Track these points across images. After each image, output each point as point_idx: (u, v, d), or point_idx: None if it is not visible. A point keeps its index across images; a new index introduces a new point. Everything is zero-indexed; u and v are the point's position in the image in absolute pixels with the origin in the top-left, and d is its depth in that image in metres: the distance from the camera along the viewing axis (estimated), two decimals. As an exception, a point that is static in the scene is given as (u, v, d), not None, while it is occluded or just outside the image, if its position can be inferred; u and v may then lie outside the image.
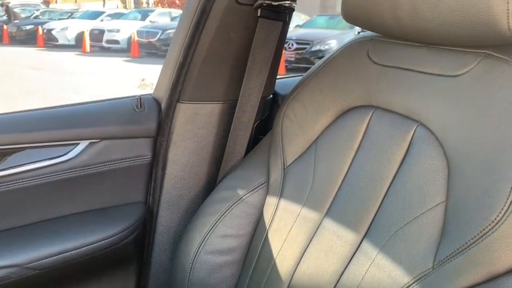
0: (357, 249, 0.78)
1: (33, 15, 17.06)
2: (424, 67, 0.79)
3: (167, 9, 17.51)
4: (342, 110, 0.90)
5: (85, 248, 1.01)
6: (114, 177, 1.08)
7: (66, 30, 13.68)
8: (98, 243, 1.02)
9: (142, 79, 7.28)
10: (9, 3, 17.93)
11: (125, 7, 25.52)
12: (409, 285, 0.69)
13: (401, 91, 0.81)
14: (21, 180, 0.98)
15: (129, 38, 12.14)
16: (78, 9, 21.28)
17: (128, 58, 11.09)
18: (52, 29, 13.74)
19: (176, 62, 1.05)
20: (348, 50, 0.94)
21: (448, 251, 0.66)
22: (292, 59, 8.70)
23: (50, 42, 13.60)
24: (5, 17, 16.84)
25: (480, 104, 0.69)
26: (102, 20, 14.87)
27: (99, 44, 12.69)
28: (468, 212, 0.65)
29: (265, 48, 1.05)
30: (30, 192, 1.00)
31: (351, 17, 0.88)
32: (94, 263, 1.05)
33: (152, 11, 16.02)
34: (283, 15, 1.05)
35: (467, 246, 0.64)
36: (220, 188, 1.04)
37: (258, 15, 1.01)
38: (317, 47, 8.76)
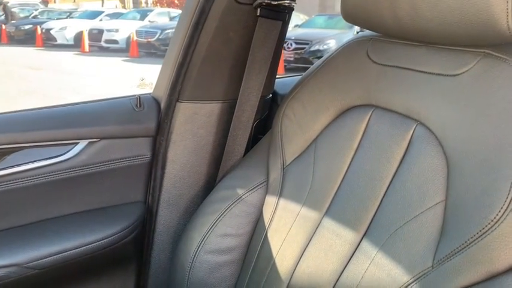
0: (356, 249, 0.78)
1: (32, 15, 17.05)
2: (424, 66, 0.79)
3: (166, 9, 17.52)
4: (342, 110, 0.90)
5: (84, 247, 1.01)
6: (113, 177, 1.08)
7: (64, 29, 13.67)
8: (98, 243, 1.02)
9: (142, 78, 7.29)
10: (7, 2, 17.90)
11: (124, 7, 25.51)
12: (409, 284, 0.69)
13: (400, 90, 0.81)
14: (20, 180, 0.98)
15: (128, 38, 12.13)
16: (76, 8, 21.28)
17: (127, 58, 11.08)
18: (51, 29, 13.72)
19: (176, 62, 1.05)
20: (347, 49, 0.94)
21: (448, 249, 0.66)
22: (291, 59, 8.70)
23: (48, 41, 13.59)
24: (3, 17, 16.81)
25: (479, 103, 0.69)
26: (101, 20, 14.86)
27: (98, 44, 12.68)
28: (468, 211, 0.65)
29: (264, 48, 1.05)
30: (30, 191, 1.00)
31: (350, 16, 0.88)
32: (93, 262, 1.05)
33: (151, 10, 16.02)
34: (282, 14, 1.05)
35: (467, 245, 0.64)
36: (220, 187, 1.04)
37: (258, 14, 1.01)
38: (316, 47, 8.76)
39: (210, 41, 1.02)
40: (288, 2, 1.02)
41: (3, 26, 14.71)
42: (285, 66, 8.27)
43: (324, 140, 0.91)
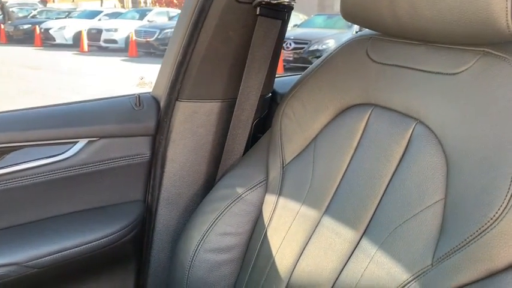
0: (356, 247, 0.78)
1: (31, 15, 17.03)
2: (423, 65, 0.79)
3: (165, 9, 17.52)
4: (341, 108, 0.90)
5: (84, 246, 1.01)
6: (112, 176, 1.08)
7: (63, 29, 13.65)
8: (97, 242, 1.02)
9: (141, 77, 7.28)
10: (6, 2, 17.87)
11: (123, 6, 25.50)
12: (408, 282, 0.69)
13: (400, 89, 0.81)
14: (19, 179, 0.98)
15: (127, 38, 12.12)
16: (75, 8, 21.25)
17: (126, 57, 11.07)
18: (49, 29, 13.70)
19: (175, 61, 1.05)
20: (347, 48, 0.95)
21: (447, 248, 0.66)
22: (291, 59, 8.70)
23: (47, 41, 13.57)
24: (1, 17, 16.79)
25: (479, 101, 0.70)
26: (100, 20, 14.84)
27: (97, 44, 12.66)
28: (467, 209, 0.66)
29: (264, 47, 1.05)
30: (29, 190, 1.00)
31: (349, 15, 0.88)
32: (93, 261, 1.05)
33: (150, 10, 16.01)
34: (282, 13, 1.05)
35: (467, 243, 0.64)
36: (219, 186, 1.04)
37: (257, 13, 1.01)
38: (315, 47, 8.76)
39: (210, 40, 1.02)
40: (287, 0, 1.02)
41: (2, 26, 14.70)
42: (284, 65, 8.27)
43: (323, 138, 0.91)
